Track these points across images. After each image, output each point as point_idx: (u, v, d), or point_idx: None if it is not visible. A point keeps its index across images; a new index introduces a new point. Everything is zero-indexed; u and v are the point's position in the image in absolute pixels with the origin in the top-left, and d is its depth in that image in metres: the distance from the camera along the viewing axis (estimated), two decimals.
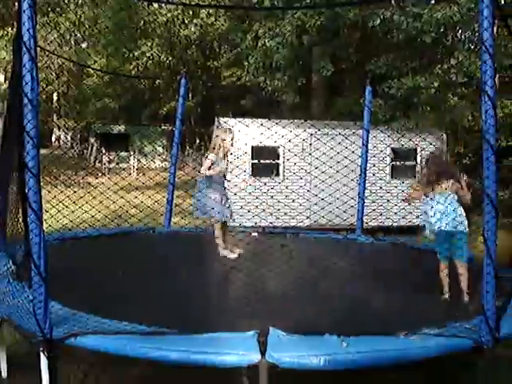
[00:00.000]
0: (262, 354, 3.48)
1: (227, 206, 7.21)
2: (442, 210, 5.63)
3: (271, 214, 12.75)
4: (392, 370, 4.21)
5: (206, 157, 7.18)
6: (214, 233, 7.04)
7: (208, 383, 4.26)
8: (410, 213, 13.65)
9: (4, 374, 5.16)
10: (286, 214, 12.93)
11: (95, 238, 7.86)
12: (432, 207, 5.74)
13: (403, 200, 6.95)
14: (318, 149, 12.96)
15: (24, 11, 3.70)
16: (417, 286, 5.88)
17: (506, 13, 4.46)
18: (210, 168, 6.98)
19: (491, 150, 3.75)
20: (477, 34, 19.18)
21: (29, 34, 3.70)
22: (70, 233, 8.11)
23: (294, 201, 12.99)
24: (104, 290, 5.23)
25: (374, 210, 12.36)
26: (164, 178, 8.97)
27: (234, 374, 3.73)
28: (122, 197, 7.29)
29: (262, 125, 12.86)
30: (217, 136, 7.31)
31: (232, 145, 7.27)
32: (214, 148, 7.15)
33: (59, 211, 5.94)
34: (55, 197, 6.41)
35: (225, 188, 7.33)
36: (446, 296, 5.62)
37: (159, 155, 33.46)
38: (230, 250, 7.08)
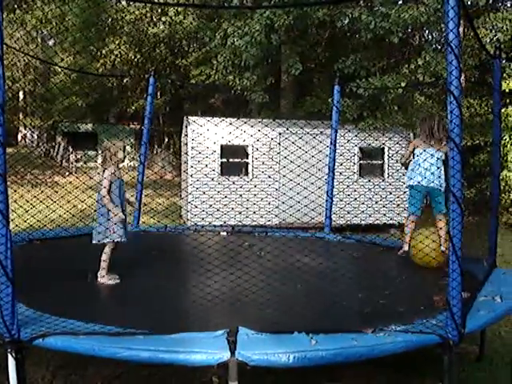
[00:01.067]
0: (232, 352, 3.50)
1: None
2: (430, 168, 5.98)
3: (240, 213, 12.78)
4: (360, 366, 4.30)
5: (104, 170, 6.20)
6: (103, 255, 5.96)
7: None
8: (377, 211, 13.84)
9: None
10: (254, 212, 12.99)
11: (63, 238, 7.79)
12: (419, 165, 6.08)
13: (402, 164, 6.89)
14: (286, 148, 13.03)
15: None
16: (384, 282, 5.97)
17: (471, 14, 4.53)
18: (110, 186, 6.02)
19: (457, 149, 3.81)
20: (444, 34, 19.49)
21: None
22: (36, 233, 8.00)
23: (262, 199, 13.07)
24: (72, 290, 5.20)
25: (341, 208, 12.47)
26: (132, 177, 8.86)
27: (204, 373, 3.75)
28: (90, 196, 7.18)
29: (231, 124, 12.90)
30: (107, 148, 6.29)
31: (124, 157, 6.40)
32: (108, 160, 6.18)
33: (27, 211, 5.87)
34: (22, 196, 6.32)
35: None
36: (406, 248, 5.81)
37: (127, 154, 33.18)
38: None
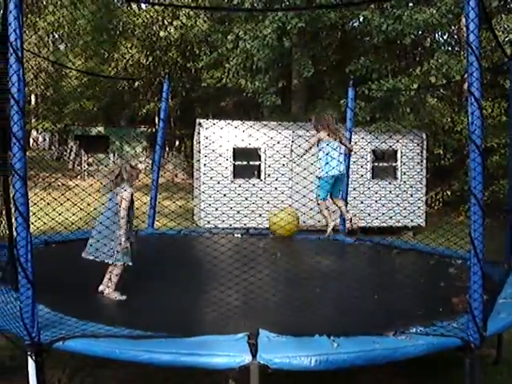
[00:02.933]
0: (253, 355, 3.48)
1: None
2: (338, 158, 6.61)
3: (253, 216, 12.75)
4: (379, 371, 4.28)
5: (123, 190, 5.95)
6: (114, 277, 5.78)
7: None
8: (390, 213, 13.78)
9: None
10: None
11: (79, 241, 7.78)
12: (328, 154, 6.63)
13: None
14: (300, 150, 12.97)
15: (10, 11, 3.65)
16: (402, 284, 5.94)
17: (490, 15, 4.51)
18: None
19: (478, 150, 3.79)
20: (455, 36, 19.43)
21: (15, 35, 3.66)
22: (54, 235, 8.03)
23: (275, 202, 13.04)
24: (91, 293, 5.20)
25: (355, 210, 12.43)
26: (139, 181, 8.81)
27: (221, 376, 3.74)
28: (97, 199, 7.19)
29: (243, 125, 12.89)
30: (124, 168, 6.07)
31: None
32: (125, 179, 6.01)
33: (47, 214, 5.86)
34: (42, 199, 6.34)
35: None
36: (331, 224, 6.07)
37: (139, 157, 33.32)
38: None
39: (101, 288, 5.67)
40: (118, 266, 5.69)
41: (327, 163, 6.70)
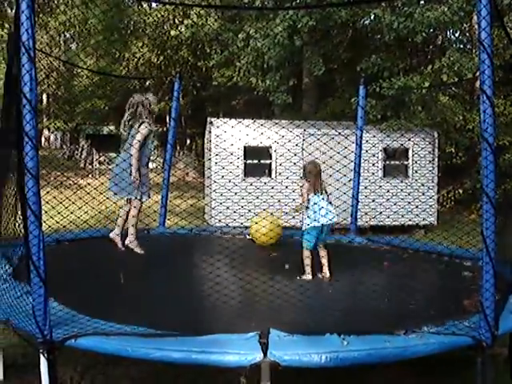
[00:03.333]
0: (264, 353, 3.49)
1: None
2: (326, 207, 6.43)
3: (271, 214, 12.75)
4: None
5: (141, 124, 6.12)
6: (131, 215, 6.06)
7: None
8: (402, 212, 13.74)
9: (0, 377, 5.12)
10: (280, 214, 12.95)
11: (90, 239, 7.83)
12: (316, 204, 6.43)
13: (295, 211, 7.27)
14: (310, 149, 12.97)
15: (22, 11, 3.67)
16: (413, 284, 5.92)
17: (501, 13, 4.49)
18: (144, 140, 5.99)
19: (490, 149, 3.77)
20: (467, 33, 19.33)
21: (27, 35, 3.68)
22: (66, 234, 8.07)
23: (286, 200, 13.02)
24: (103, 291, 5.22)
25: (366, 209, 12.42)
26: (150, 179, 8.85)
27: (232, 374, 3.75)
28: (121, 197, 7.22)
29: (254, 123, 12.89)
30: (140, 102, 6.35)
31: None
32: (141, 114, 6.21)
33: (59, 213, 5.90)
34: (55, 197, 6.38)
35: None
36: (310, 277, 6.14)
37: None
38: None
39: (112, 235, 5.58)
40: (136, 206, 5.63)
41: (314, 213, 6.61)
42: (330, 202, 6.56)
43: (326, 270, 6.32)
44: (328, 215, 6.43)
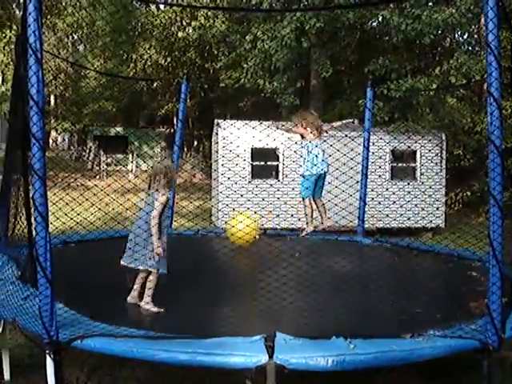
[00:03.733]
0: (270, 355, 3.49)
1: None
2: (321, 156, 6.70)
3: (277, 216, 12.78)
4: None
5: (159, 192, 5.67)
6: (149, 283, 5.57)
7: None
8: (409, 214, 13.71)
9: (7, 377, 5.14)
10: (287, 215, 12.96)
11: (97, 241, 7.85)
12: (316, 156, 6.70)
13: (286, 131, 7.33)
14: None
15: (30, 13, 3.69)
16: (420, 287, 5.90)
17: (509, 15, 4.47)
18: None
19: (497, 151, 3.76)
20: (475, 35, 19.29)
21: (34, 36, 3.69)
22: (72, 235, 8.09)
23: (293, 202, 13.02)
24: (109, 293, 5.23)
25: (373, 211, 12.39)
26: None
27: (238, 377, 3.75)
28: (128, 199, 7.22)
29: (261, 126, 12.88)
30: (161, 170, 5.75)
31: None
32: (162, 183, 5.74)
33: (66, 214, 5.92)
34: (61, 199, 6.40)
35: None
36: (311, 228, 6.48)
37: (158, 158, 33.47)
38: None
39: (130, 299, 5.46)
40: (153, 274, 5.50)
41: (311, 162, 6.69)
42: (323, 150, 6.80)
43: (325, 219, 6.65)
44: (323, 164, 6.50)
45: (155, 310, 5.40)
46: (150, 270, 5.42)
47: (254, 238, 7.17)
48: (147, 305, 5.41)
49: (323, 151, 6.76)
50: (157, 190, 5.59)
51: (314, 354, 3.50)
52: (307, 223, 6.97)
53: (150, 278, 5.48)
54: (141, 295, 5.48)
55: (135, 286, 5.56)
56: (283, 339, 3.74)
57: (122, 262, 5.48)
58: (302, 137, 7.35)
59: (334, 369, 3.47)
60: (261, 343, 3.65)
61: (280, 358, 3.47)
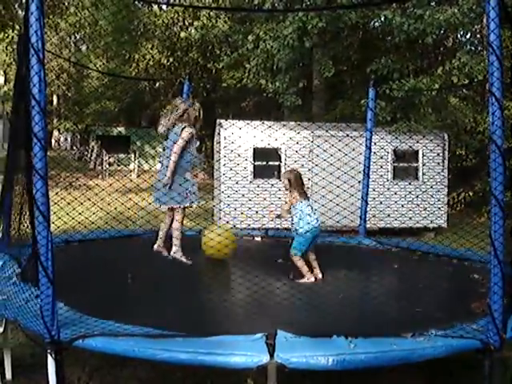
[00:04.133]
0: (271, 354, 3.48)
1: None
2: (313, 213, 6.39)
3: (277, 216, 12.76)
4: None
5: (183, 129, 5.90)
6: (174, 228, 5.90)
7: None
8: (412, 215, 13.70)
9: (8, 376, 5.15)
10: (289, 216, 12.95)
11: (99, 240, 7.85)
12: (302, 211, 6.36)
13: (277, 217, 7.07)
14: (319, 150, 12.95)
15: (32, 13, 3.69)
16: (421, 287, 5.90)
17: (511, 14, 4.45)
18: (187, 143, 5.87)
19: (498, 151, 3.75)
20: (478, 35, 19.27)
21: (36, 36, 3.70)
22: (74, 234, 8.10)
23: None
24: (110, 292, 5.23)
25: (375, 211, 12.39)
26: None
27: (239, 376, 3.75)
28: (129, 198, 7.22)
29: (263, 126, 12.89)
30: (185, 109, 6.16)
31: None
32: (186, 118, 6.07)
33: (68, 214, 5.93)
34: (63, 198, 6.41)
35: None
36: (312, 278, 6.10)
37: (160, 158, 33.54)
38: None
39: (156, 248, 5.45)
40: (178, 214, 5.51)
41: (309, 217, 6.55)
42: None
43: (317, 271, 6.31)
44: (319, 219, 6.45)
45: (184, 259, 5.40)
46: (175, 207, 5.46)
47: (227, 247, 6.76)
48: (176, 254, 5.43)
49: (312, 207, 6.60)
50: (183, 127, 5.62)
51: (315, 354, 3.50)
52: (304, 276, 6.72)
53: (175, 225, 5.49)
54: (166, 244, 5.49)
55: (160, 234, 5.61)
56: (284, 337, 3.74)
57: (153, 204, 5.59)
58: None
59: (334, 368, 3.47)
60: (262, 342, 3.65)
61: (281, 357, 3.47)
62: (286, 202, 6.56)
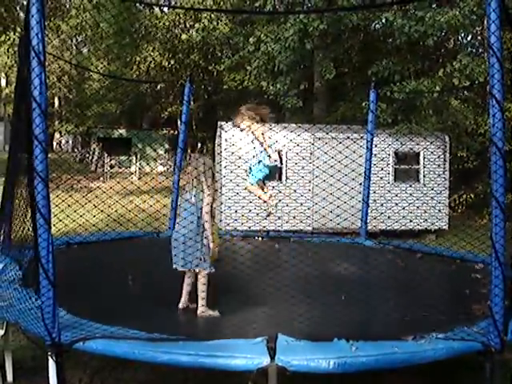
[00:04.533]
0: (271, 357, 3.48)
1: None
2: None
3: (278, 218, 12.81)
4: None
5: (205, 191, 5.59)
6: (201, 286, 5.41)
7: None
8: (413, 217, 13.69)
9: (10, 379, 5.15)
10: (290, 217, 12.97)
11: (100, 243, 7.86)
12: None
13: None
14: (320, 152, 12.94)
15: (32, 16, 3.70)
16: (423, 289, 5.89)
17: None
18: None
19: (499, 153, 3.75)
20: (479, 37, 19.27)
21: (37, 39, 3.71)
22: (75, 237, 8.10)
23: (296, 204, 13.04)
24: (111, 294, 5.24)
25: (376, 213, 12.39)
26: (160, 183, 8.86)
27: (240, 379, 3.74)
28: (131, 201, 7.22)
29: (264, 127, 12.86)
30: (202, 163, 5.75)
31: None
32: (204, 177, 5.65)
33: (68, 216, 5.94)
34: (64, 201, 6.42)
35: None
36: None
37: (161, 160, 33.59)
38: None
39: (182, 305, 5.31)
40: (203, 275, 5.36)
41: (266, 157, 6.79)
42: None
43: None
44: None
45: (214, 313, 5.22)
46: (201, 270, 5.31)
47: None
48: (204, 313, 5.21)
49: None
50: (201, 189, 5.52)
51: (316, 356, 3.50)
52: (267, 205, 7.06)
53: (201, 280, 5.32)
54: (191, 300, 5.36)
55: (184, 292, 5.44)
56: (285, 341, 3.74)
57: (175, 267, 5.38)
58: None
59: (335, 371, 3.47)
60: (262, 345, 3.65)
61: (281, 360, 3.47)
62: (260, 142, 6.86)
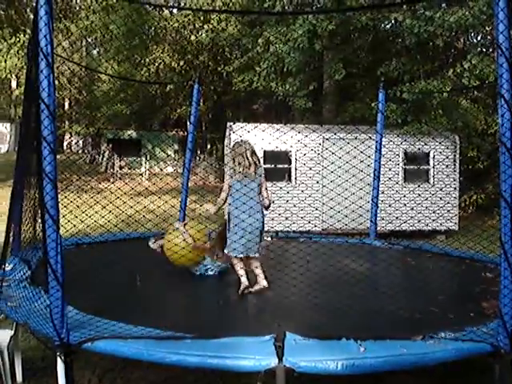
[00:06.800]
0: (279, 358, 3.48)
1: None
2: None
3: (284, 219, 12.78)
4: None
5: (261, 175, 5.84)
6: (259, 268, 5.78)
7: None
8: (423, 217, 13.64)
9: (19, 379, 5.17)
10: (299, 218, 12.96)
11: (109, 243, 7.88)
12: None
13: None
14: (330, 153, 12.92)
15: (41, 18, 3.71)
16: (432, 289, 5.87)
17: None
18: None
19: (508, 153, 3.73)
20: (488, 37, 19.18)
21: (46, 41, 3.72)
22: (84, 238, 8.13)
23: (306, 205, 13.03)
24: (120, 294, 5.25)
25: (386, 213, 12.36)
26: (167, 183, 8.87)
27: (250, 378, 3.74)
28: (138, 202, 7.23)
29: (273, 128, 12.88)
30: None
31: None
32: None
33: (76, 217, 5.95)
34: (72, 202, 6.44)
35: None
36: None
37: (170, 161, 33.65)
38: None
39: (243, 287, 5.46)
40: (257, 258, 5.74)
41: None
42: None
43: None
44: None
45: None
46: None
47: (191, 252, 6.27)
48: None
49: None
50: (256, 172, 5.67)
51: (324, 358, 3.49)
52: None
53: (258, 262, 5.75)
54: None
55: (242, 279, 5.58)
56: (293, 339, 3.73)
57: (246, 254, 5.65)
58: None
59: (343, 372, 3.46)
60: (270, 344, 3.65)
61: (289, 361, 3.46)
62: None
